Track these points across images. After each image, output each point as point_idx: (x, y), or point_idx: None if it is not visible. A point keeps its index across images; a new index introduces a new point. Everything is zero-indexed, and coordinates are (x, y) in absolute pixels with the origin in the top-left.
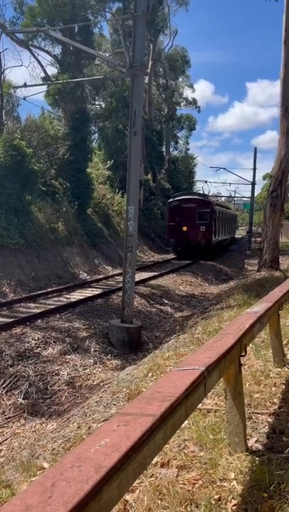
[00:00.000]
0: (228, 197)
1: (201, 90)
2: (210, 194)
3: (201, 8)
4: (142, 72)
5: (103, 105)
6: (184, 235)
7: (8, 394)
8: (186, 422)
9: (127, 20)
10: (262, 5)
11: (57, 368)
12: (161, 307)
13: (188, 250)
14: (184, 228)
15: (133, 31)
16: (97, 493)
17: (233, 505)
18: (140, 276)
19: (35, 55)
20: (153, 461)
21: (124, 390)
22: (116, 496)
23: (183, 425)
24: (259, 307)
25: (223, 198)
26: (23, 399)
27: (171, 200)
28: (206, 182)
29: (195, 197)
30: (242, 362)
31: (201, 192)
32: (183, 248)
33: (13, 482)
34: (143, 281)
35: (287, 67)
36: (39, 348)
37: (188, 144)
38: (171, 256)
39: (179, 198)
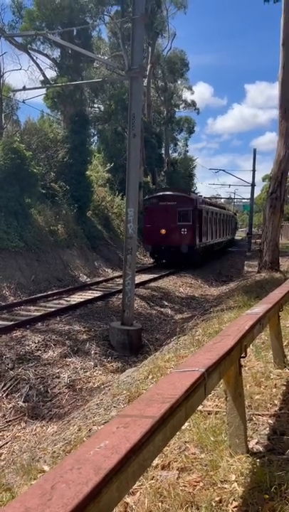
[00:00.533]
0: (228, 198)
1: (200, 92)
2: (209, 195)
3: (199, 11)
4: (140, 75)
5: (102, 108)
6: (162, 239)
7: (9, 397)
8: (186, 423)
9: (126, 23)
10: (260, 7)
11: (57, 370)
12: (162, 309)
13: (168, 257)
14: (163, 231)
15: (132, 34)
16: (96, 495)
17: (234, 507)
18: (140, 278)
19: (34, 58)
20: (153, 464)
21: (125, 392)
22: (116, 498)
23: (183, 427)
24: (259, 308)
25: (222, 200)
26: (24, 402)
27: (147, 197)
28: (189, 176)
29: (175, 193)
30: (242, 363)
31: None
32: (161, 254)
33: (14, 485)
34: (143, 284)
35: (286, 69)
36: (39, 351)
37: (187, 146)
38: None
39: (156, 194)
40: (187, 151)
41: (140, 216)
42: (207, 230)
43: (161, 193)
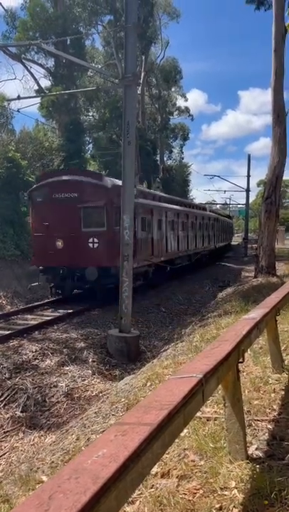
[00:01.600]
0: (224, 204)
1: (194, 100)
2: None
3: (192, 19)
4: (134, 83)
5: (97, 116)
6: (58, 257)
7: (6, 407)
8: (185, 430)
9: (119, 32)
10: (252, 14)
11: (55, 379)
12: (159, 315)
13: (71, 287)
14: (59, 243)
15: (125, 43)
16: (94, 504)
17: None
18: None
19: (28, 68)
20: (153, 472)
21: (123, 400)
22: (114, 508)
23: (182, 434)
24: (256, 313)
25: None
26: (22, 412)
27: (35, 186)
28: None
29: (75, 178)
30: (240, 368)
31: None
32: (59, 282)
33: (12, 496)
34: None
35: (278, 75)
36: (37, 360)
37: (182, 152)
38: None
39: (47, 181)
40: (182, 158)
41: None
42: (154, 238)
43: (55, 179)
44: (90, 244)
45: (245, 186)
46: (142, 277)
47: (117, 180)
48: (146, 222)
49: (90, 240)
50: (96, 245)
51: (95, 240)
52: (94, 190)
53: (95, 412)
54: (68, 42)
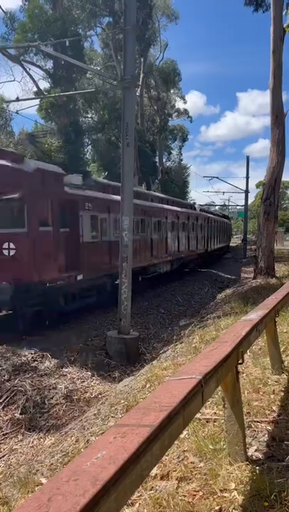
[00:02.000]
0: (223, 205)
1: (193, 101)
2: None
3: (191, 21)
4: (133, 85)
5: (96, 118)
6: None
7: (6, 409)
8: (184, 432)
9: (118, 34)
10: (251, 17)
11: (54, 381)
12: (158, 317)
13: None
14: None
15: (123, 45)
16: (94, 506)
17: None
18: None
19: (27, 69)
20: (152, 474)
21: (123, 401)
22: (114, 510)
23: (182, 435)
24: (255, 314)
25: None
26: (21, 414)
27: None
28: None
29: None
30: (240, 370)
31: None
32: None
33: (11, 499)
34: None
35: (276, 76)
36: (36, 362)
37: (181, 154)
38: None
39: None
40: (181, 160)
41: None
42: (112, 242)
43: None
44: (5, 251)
45: (244, 188)
46: (96, 292)
47: (44, 164)
48: (99, 221)
49: (5, 245)
50: (13, 252)
51: (11, 246)
52: (8, 176)
53: (94, 414)
54: (67, 44)
